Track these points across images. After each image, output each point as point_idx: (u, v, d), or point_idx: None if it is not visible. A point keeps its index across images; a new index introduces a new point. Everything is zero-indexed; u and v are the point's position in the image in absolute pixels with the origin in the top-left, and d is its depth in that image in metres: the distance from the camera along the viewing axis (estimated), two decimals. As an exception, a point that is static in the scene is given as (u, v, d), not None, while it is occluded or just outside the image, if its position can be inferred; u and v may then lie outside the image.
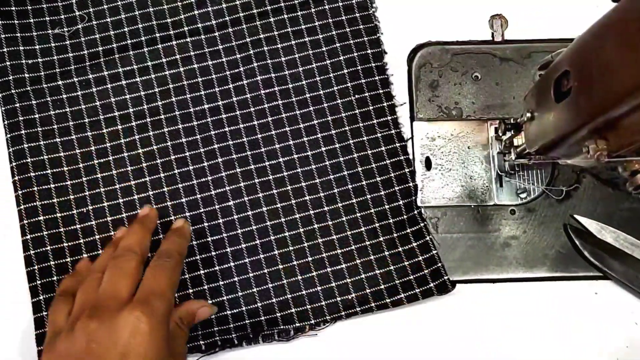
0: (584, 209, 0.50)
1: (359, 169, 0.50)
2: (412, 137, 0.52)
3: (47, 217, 0.48)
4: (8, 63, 0.51)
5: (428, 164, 0.51)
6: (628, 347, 0.48)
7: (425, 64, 0.53)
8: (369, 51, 0.52)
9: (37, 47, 0.52)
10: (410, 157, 0.51)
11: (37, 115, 0.50)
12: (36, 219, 0.48)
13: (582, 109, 0.34)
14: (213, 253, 0.48)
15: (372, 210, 0.49)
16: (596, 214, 0.50)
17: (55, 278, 0.47)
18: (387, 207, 0.50)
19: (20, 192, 0.48)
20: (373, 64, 0.52)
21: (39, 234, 0.48)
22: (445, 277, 0.48)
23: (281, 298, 0.48)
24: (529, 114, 0.41)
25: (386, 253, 0.49)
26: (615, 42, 0.31)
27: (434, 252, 0.48)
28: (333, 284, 0.48)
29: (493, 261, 0.49)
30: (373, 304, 0.47)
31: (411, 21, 0.53)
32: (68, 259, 0.48)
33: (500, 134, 0.48)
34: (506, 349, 0.48)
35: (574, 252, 0.49)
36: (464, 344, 0.48)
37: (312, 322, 0.47)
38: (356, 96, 0.51)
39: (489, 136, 0.52)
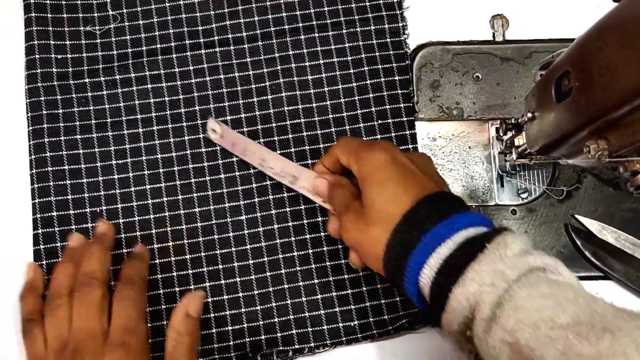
0: (585, 209, 0.50)
1: None
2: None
3: (60, 213, 0.48)
4: (37, 56, 0.51)
5: (429, 164, 0.51)
6: (629, 347, 0.48)
7: (426, 64, 0.53)
8: (396, 78, 0.52)
9: (67, 42, 0.51)
10: None
11: (60, 111, 0.50)
12: (49, 214, 0.48)
13: (582, 109, 0.34)
14: (220, 266, 0.48)
15: None
16: (597, 214, 0.50)
17: None
18: None
19: (36, 186, 0.49)
20: (399, 91, 0.51)
21: (50, 230, 0.48)
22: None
23: (283, 318, 0.47)
24: (530, 114, 0.41)
25: None
26: (616, 42, 0.31)
27: None
28: (337, 309, 0.47)
29: (494, 261, 0.49)
30: (375, 331, 0.47)
31: (412, 21, 0.53)
32: None
33: (501, 134, 0.48)
34: (507, 349, 0.48)
35: (575, 252, 0.49)
36: (465, 344, 0.48)
37: (312, 345, 0.47)
38: (379, 121, 0.51)
39: (490, 136, 0.52)
